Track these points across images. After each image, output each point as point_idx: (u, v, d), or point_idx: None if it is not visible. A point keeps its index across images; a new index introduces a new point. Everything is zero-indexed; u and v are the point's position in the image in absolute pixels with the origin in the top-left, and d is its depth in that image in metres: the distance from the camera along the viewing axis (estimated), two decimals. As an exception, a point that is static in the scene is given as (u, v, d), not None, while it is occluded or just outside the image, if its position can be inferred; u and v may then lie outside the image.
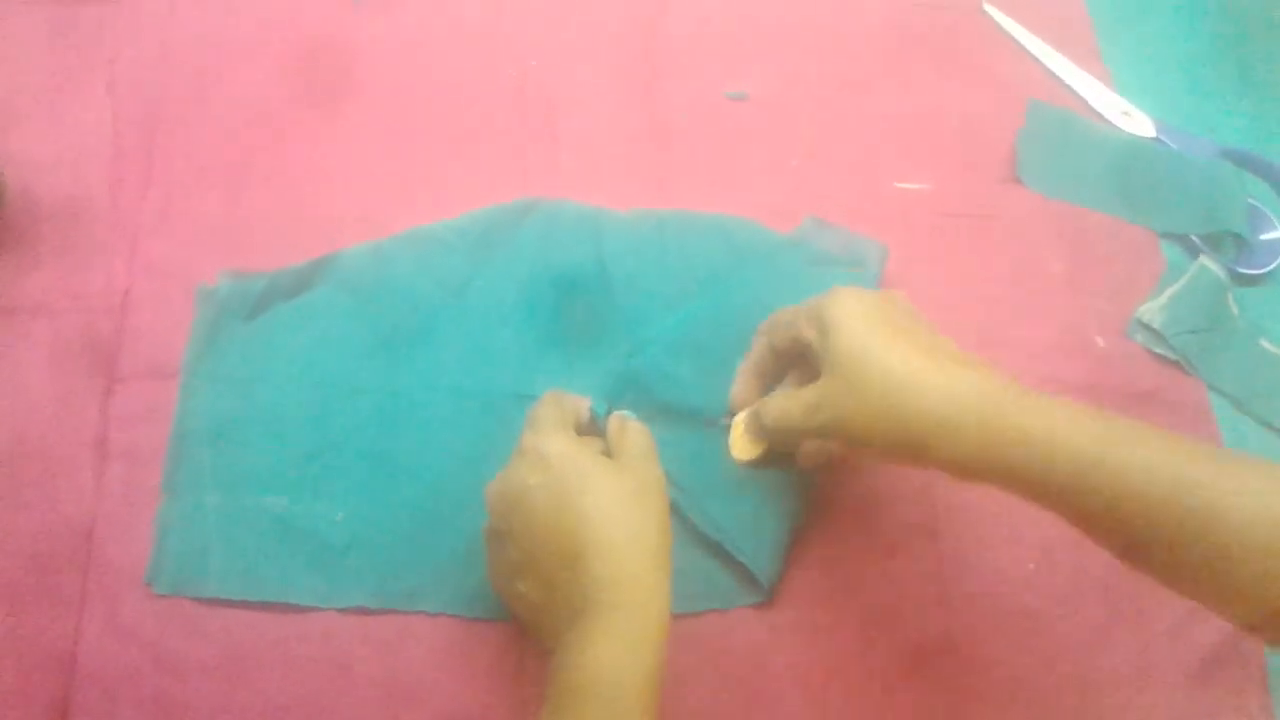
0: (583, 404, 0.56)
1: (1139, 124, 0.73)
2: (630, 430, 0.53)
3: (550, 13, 0.72)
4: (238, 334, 0.60)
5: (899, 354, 0.49)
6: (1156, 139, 0.73)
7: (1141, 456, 0.44)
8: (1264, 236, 0.70)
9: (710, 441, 0.59)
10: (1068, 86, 0.75)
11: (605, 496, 0.48)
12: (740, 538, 0.57)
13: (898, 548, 0.60)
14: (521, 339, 0.62)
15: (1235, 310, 0.68)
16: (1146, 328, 0.66)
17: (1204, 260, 0.68)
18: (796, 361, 0.57)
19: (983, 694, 0.57)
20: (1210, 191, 0.70)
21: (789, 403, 0.53)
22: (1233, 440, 0.65)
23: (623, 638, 0.45)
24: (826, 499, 0.60)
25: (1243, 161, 0.72)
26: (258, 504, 0.57)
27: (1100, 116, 0.74)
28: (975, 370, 0.48)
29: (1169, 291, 0.67)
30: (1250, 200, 0.71)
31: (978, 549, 0.60)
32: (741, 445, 0.59)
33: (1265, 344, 0.67)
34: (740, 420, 0.59)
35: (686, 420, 0.60)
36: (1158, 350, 0.66)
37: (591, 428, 0.56)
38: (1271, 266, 0.69)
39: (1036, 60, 0.75)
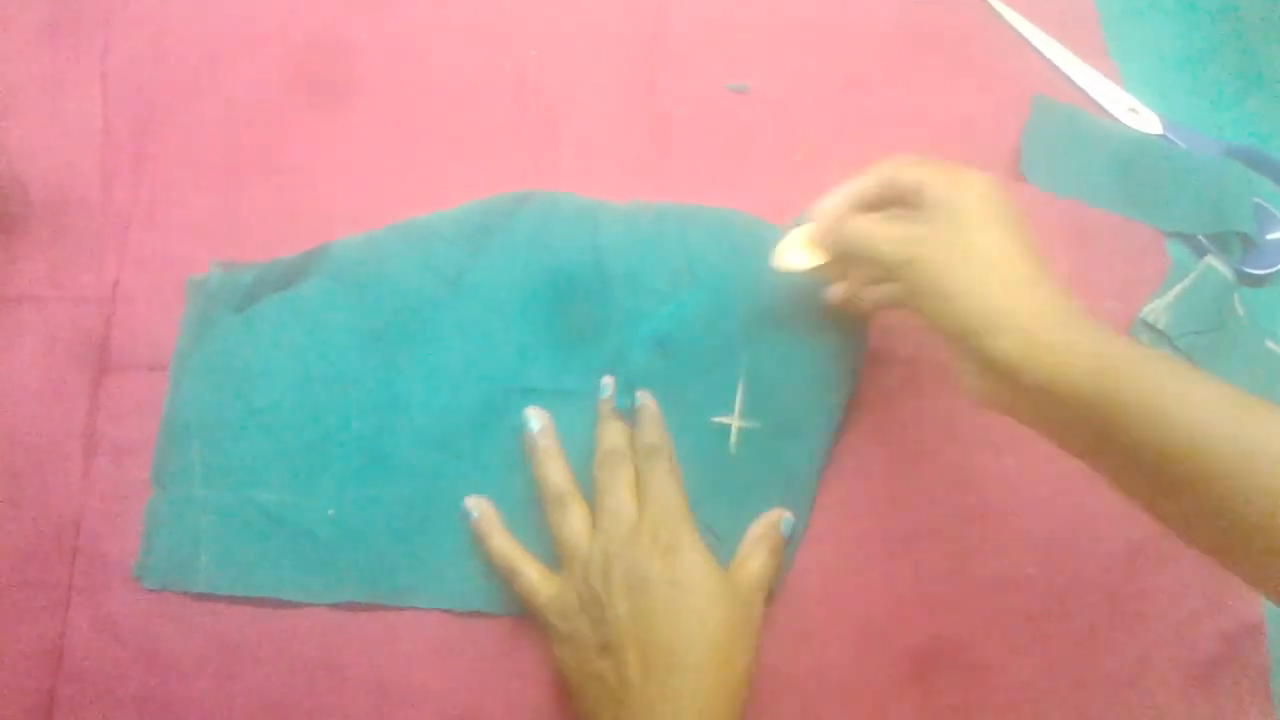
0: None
1: (1146, 121, 0.72)
2: (758, 560, 0.54)
3: (550, 4, 0.71)
4: (228, 326, 0.60)
5: (1017, 245, 0.49)
6: (1163, 136, 0.72)
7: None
8: (1270, 236, 0.69)
9: (710, 440, 0.59)
10: (1074, 82, 0.74)
11: (723, 627, 0.49)
12: (739, 541, 0.56)
13: (896, 552, 0.59)
14: (517, 331, 0.61)
15: (1241, 311, 0.67)
16: (1151, 328, 0.65)
17: (1210, 260, 0.67)
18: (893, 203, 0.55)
19: (982, 697, 0.57)
20: (1217, 190, 0.69)
21: (880, 225, 0.53)
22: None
23: None
24: (826, 502, 0.59)
25: (1250, 160, 0.71)
26: (248, 498, 0.56)
27: (1106, 113, 0.73)
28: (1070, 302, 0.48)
29: (1174, 291, 0.66)
30: (1257, 199, 0.69)
31: (977, 552, 0.59)
32: (794, 251, 0.57)
33: (1271, 345, 0.66)
34: (805, 229, 0.57)
35: (685, 416, 0.59)
36: (1163, 351, 0.65)
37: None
38: (1278, 266, 0.68)
39: (1042, 55, 0.74)
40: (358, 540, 0.56)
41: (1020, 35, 0.75)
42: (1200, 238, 0.69)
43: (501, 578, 0.55)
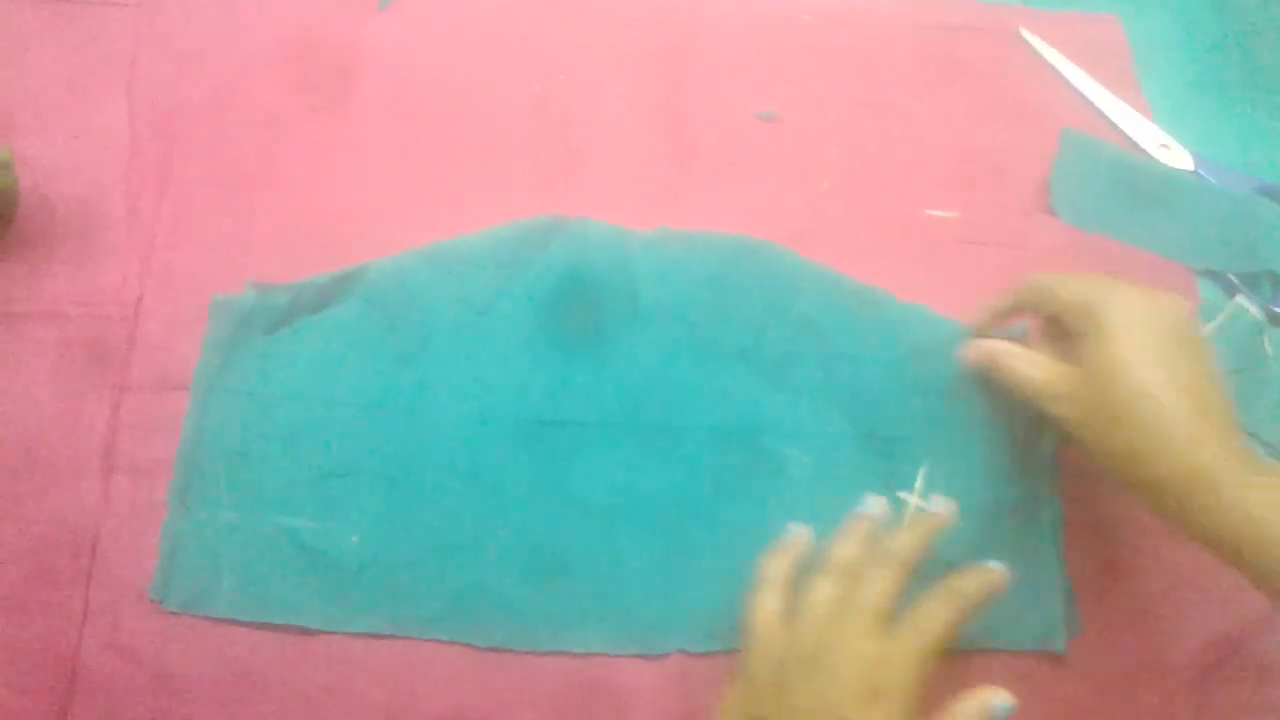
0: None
1: (1177, 157, 0.72)
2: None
3: (577, 27, 0.71)
4: (257, 347, 0.59)
5: (1169, 401, 0.47)
6: (1195, 173, 0.71)
7: None
8: (1302, 276, 0.69)
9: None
10: (1104, 116, 0.73)
11: None
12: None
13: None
14: (547, 363, 0.60)
15: (1271, 351, 0.66)
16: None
17: (1240, 299, 0.66)
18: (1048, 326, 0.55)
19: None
20: (1249, 229, 0.69)
21: (1034, 371, 0.52)
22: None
23: None
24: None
25: (1282, 198, 0.70)
26: (273, 522, 0.56)
27: (1138, 148, 0.72)
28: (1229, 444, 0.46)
29: (1204, 330, 0.65)
30: (1289, 239, 0.69)
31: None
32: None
33: (1301, 387, 0.66)
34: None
35: (736, 439, 0.59)
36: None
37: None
38: (1310, 308, 0.68)
39: (1073, 88, 0.74)
40: (380, 569, 0.56)
41: (1051, 67, 0.74)
42: (1231, 276, 0.68)
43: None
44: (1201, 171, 0.71)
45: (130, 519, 0.56)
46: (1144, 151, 0.72)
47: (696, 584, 0.57)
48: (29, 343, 0.59)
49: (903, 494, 0.59)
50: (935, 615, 0.47)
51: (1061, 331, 0.53)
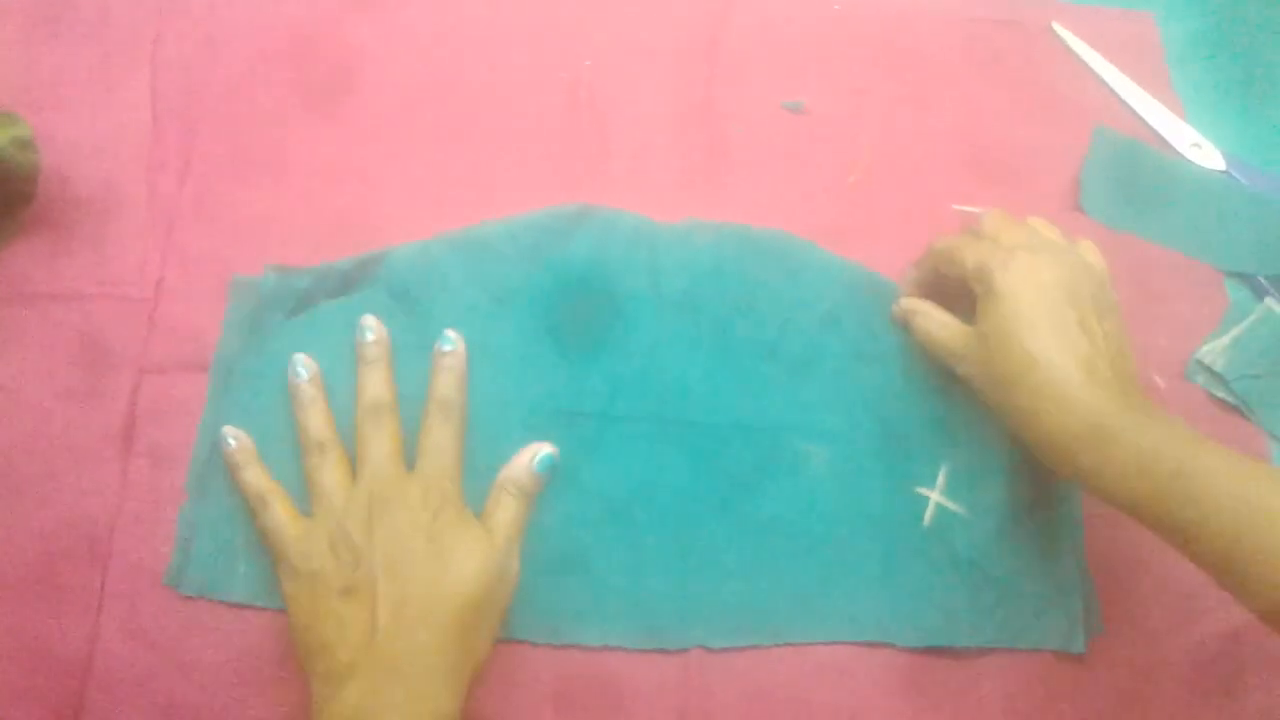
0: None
1: (1209, 157, 0.71)
2: (504, 506, 0.54)
3: (608, 14, 0.70)
4: (278, 330, 0.59)
5: (1057, 362, 0.49)
6: (1226, 173, 0.71)
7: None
8: (1333, 280, 0.68)
9: (907, 505, 0.59)
10: (1136, 114, 0.72)
11: (478, 589, 0.50)
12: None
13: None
14: (569, 353, 0.60)
15: (1300, 355, 0.65)
16: (1207, 370, 0.64)
17: (1270, 302, 0.66)
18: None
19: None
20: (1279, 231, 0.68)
21: (940, 331, 0.56)
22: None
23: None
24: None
25: (1315, 201, 0.70)
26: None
27: (1169, 147, 0.71)
28: (1125, 397, 0.49)
29: (1232, 333, 0.65)
30: (1321, 242, 0.68)
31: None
32: None
33: (1329, 392, 0.65)
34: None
35: (757, 435, 0.59)
36: (1218, 394, 0.64)
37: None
38: (1340, 312, 0.67)
39: (1105, 85, 0.73)
40: None
41: (1084, 63, 0.73)
42: (1261, 279, 0.67)
43: (250, 510, 0.54)
44: (1233, 172, 0.71)
45: (149, 503, 0.55)
46: (1175, 151, 0.71)
47: (715, 579, 0.56)
48: (49, 323, 0.58)
49: (923, 490, 0.58)
50: (512, 511, 0.54)
51: (967, 292, 0.55)
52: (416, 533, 0.50)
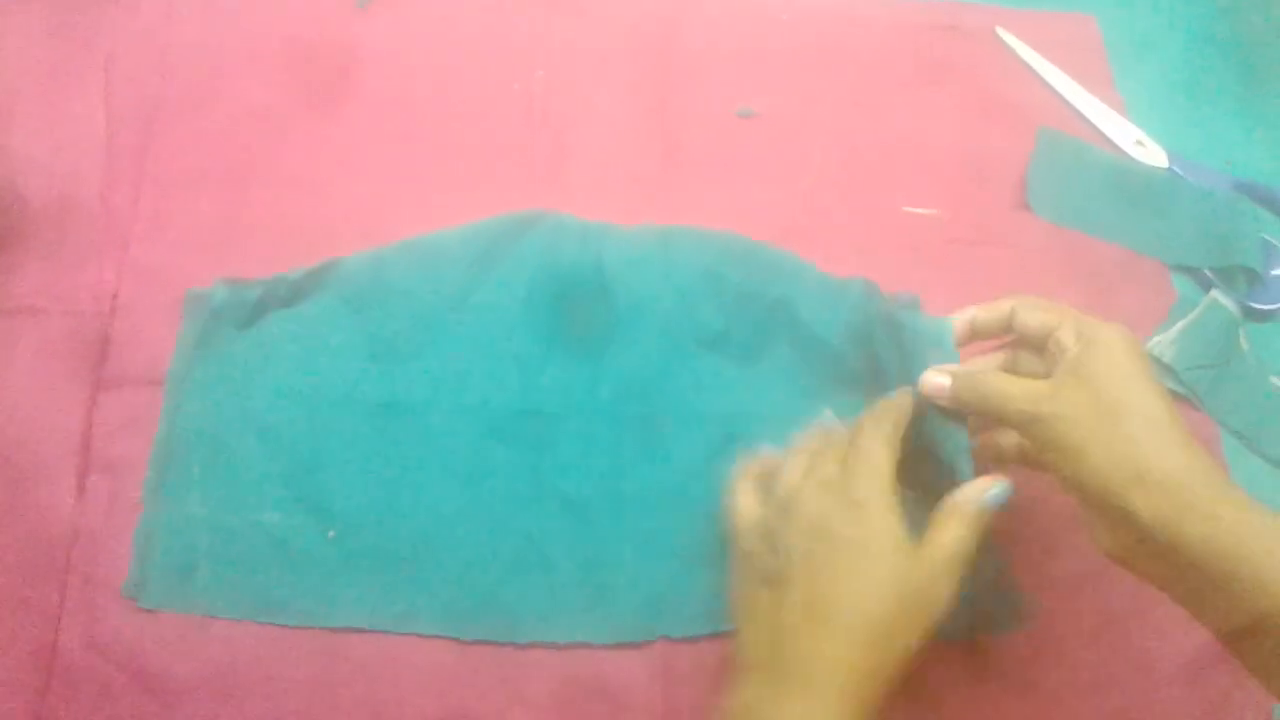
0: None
1: (1152, 154, 0.72)
2: (950, 530, 0.49)
3: (561, 24, 0.71)
4: (230, 342, 0.59)
5: (1163, 409, 0.47)
6: (1170, 170, 0.72)
7: None
8: (1276, 271, 0.69)
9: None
10: (1080, 114, 0.74)
11: (891, 598, 0.46)
12: None
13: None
14: (523, 354, 0.60)
15: (1246, 346, 0.67)
16: (1157, 361, 0.65)
17: (1215, 294, 0.67)
18: (1021, 347, 0.55)
19: (981, 698, 0.57)
20: (1223, 225, 0.70)
21: (1014, 385, 0.51)
22: (1241, 478, 0.63)
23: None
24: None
25: (1257, 195, 0.71)
26: (248, 519, 0.55)
27: (1113, 145, 0.73)
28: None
29: (1179, 325, 0.66)
30: (1264, 235, 0.70)
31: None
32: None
33: (1275, 380, 0.66)
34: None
35: (711, 426, 0.60)
36: (1167, 385, 0.65)
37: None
38: (1284, 302, 0.68)
39: (1049, 86, 0.74)
40: (357, 563, 0.55)
41: (1028, 66, 0.75)
42: (1206, 272, 0.69)
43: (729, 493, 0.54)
44: (1176, 168, 0.72)
45: (107, 516, 0.55)
46: (1119, 149, 0.73)
47: (677, 570, 0.57)
48: (4, 340, 0.58)
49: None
50: (874, 434, 0.50)
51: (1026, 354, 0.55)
52: (834, 528, 0.48)
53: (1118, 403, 0.48)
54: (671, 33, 0.72)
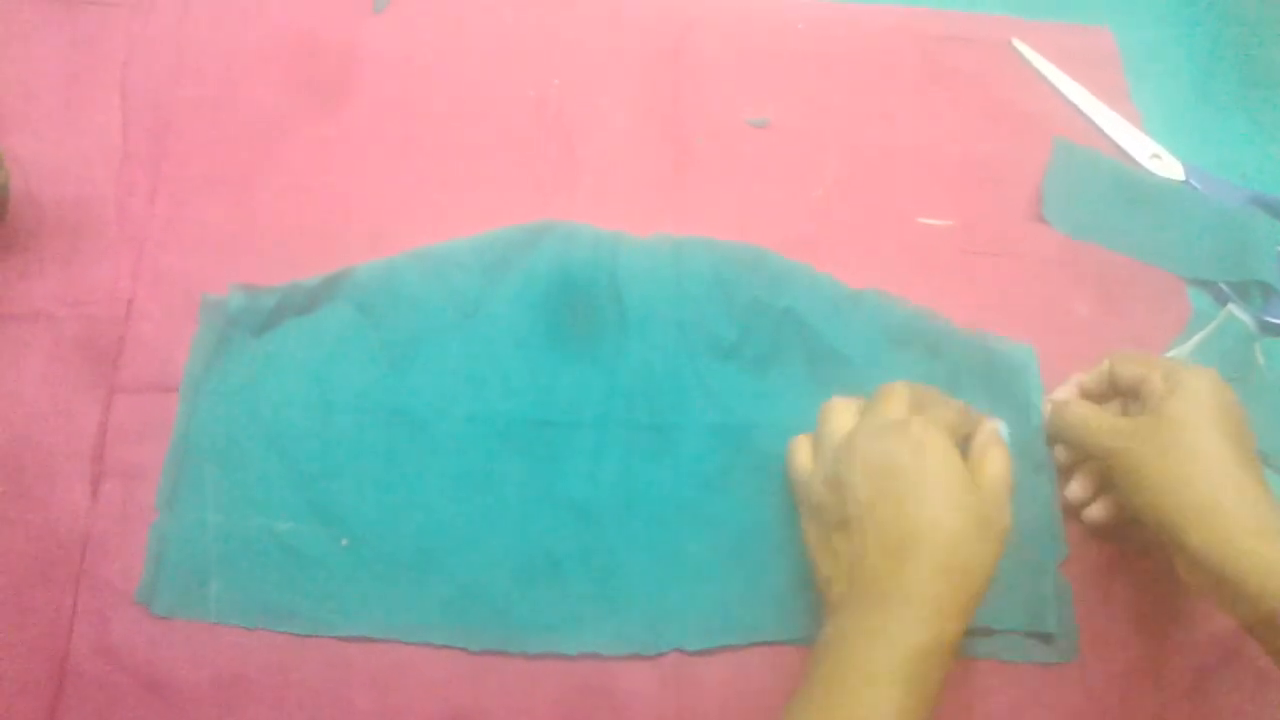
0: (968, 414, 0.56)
1: (1168, 167, 0.72)
2: (993, 458, 0.53)
3: (572, 33, 0.71)
4: (246, 349, 0.59)
5: (1228, 451, 0.51)
6: (1186, 183, 0.72)
7: None
8: (1293, 286, 0.69)
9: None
10: (1096, 126, 0.73)
11: (961, 526, 0.49)
12: None
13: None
14: (535, 363, 0.60)
15: (1262, 360, 0.66)
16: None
17: (1231, 309, 0.67)
18: (1117, 396, 0.60)
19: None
20: (1239, 238, 0.69)
21: (1095, 413, 0.57)
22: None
23: (894, 645, 0.46)
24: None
25: (1273, 209, 0.71)
26: (261, 526, 0.55)
27: (1129, 157, 0.73)
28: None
29: (1195, 339, 0.66)
30: (1280, 249, 0.69)
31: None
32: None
33: (1293, 395, 0.66)
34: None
35: (724, 436, 0.60)
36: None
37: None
38: (1300, 316, 0.68)
39: (1065, 98, 0.74)
40: (371, 573, 0.55)
41: (1044, 78, 0.75)
42: (1222, 286, 0.68)
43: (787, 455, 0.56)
44: (1192, 181, 0.72)
45: (120, 522, 0.55)
46: (1135, 161, 0.72)
47: (689, 581, 0.57)
48: (18, 344, 0.58)
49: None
50: (1000, 463, 0.53)
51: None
52: (901, 472, 0.50)
53: (1189, 443, 0.52)
54: (684, 41, 0.72)
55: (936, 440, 0.50)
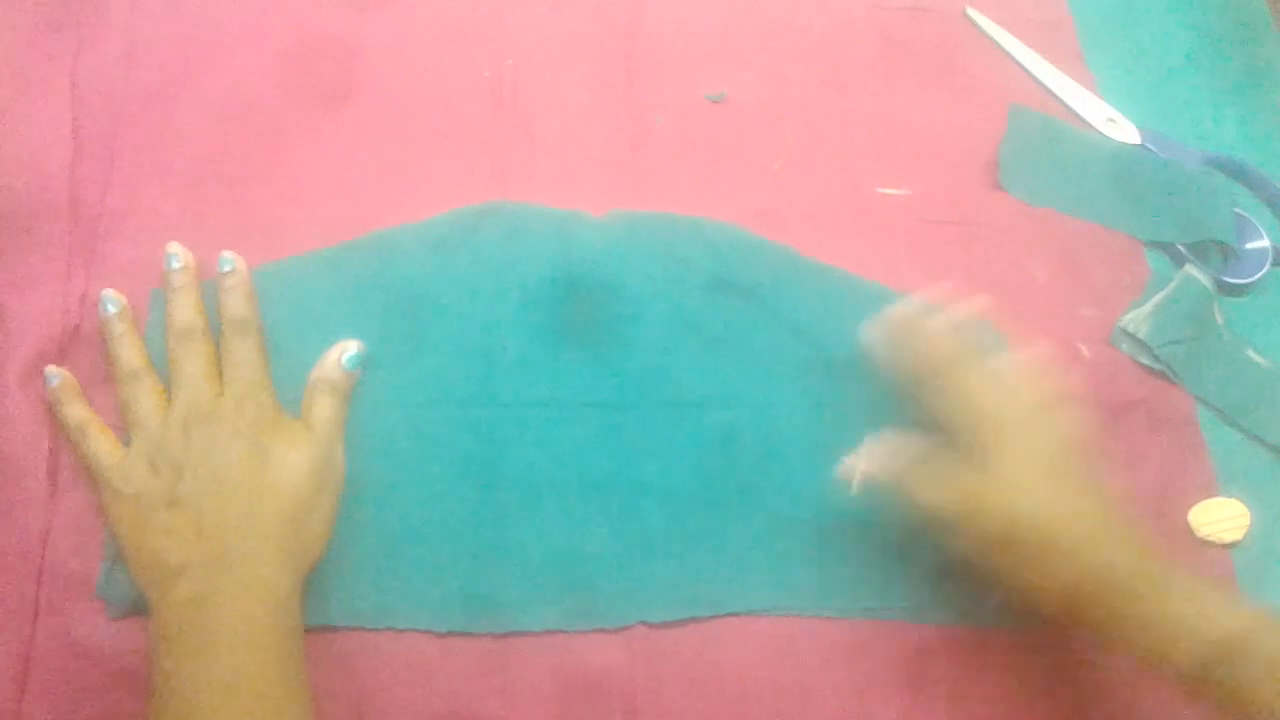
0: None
1: (1124, 131, 0.72)
2: (321, 405, 0.55)
3: (527, 11, 0.71)
4: None
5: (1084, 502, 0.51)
6: (1142, 146, 0.72)
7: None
8: (1250, 245, 0.69)
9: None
10: (1051, 92, 0.74)
11: (306, 480, 0.52)
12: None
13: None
14: (488, 346, 0.60)
15: (1221, 320, 0.67)
16: (1131, 337, 0.65)
17: (1190, 269, 0.67)
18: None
19: (981, 698, 0.57)
20: (1196, 199, 0.70)
21: (931, 485, 0.54)
22: (1218, 451, 0.64)
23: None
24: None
25: (1229, 169, 0.71)
26: None
27: (1085, 123, 0.73)
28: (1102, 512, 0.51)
29: (1154, 300, 0.66)
30: (1236, 209, 0.70)
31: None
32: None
33: (1251, 354, 0.66)
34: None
35: (684, 412, 0.60)
36: (1143, 360, 0.65)
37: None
38: (1257, 276, 0.68)
39: (1020, 65, 0.74)
40: (329, 559, 0.54)
41: (998, 45, 0.75)
42: (1180, 247, 0.69)
43: (72, 444, 0.55)
44: (1148, 144, 0.72)
45: (80, 515, 0.54)
46: (1091, 126, 0.73)
47: (652, 556, 0.57)
48: (-29, 339, 0.57)
49: (848, 458, 0.57)
50: (329, 406, 0.56)
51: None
52: (235, 439, 0.51)
53: (1014, 529, 0.51)
54: (639, 17, 0.72)
55: (267, 412, 0.54)
